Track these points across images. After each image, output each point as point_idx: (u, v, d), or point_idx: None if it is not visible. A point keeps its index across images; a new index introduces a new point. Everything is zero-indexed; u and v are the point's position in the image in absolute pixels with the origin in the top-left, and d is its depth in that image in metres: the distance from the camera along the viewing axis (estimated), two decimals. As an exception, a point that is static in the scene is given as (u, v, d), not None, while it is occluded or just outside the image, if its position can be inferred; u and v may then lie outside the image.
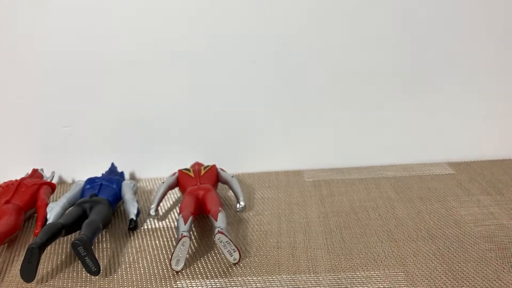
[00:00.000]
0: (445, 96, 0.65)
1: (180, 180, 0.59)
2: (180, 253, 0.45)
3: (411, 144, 0.67)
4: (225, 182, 0.60)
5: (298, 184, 0.63)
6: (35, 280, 0.44)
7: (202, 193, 0.54)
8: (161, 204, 0.60)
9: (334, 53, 0.64)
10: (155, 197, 0.57)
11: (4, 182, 0.59)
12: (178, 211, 0.58)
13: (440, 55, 0.64)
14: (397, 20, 0.62)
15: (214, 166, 0.60)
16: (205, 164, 0.64)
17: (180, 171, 0.59)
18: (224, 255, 0.47)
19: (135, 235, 0.52)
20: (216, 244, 0.49)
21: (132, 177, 0.69)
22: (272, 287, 0.42)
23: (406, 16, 0.62)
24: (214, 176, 0.59)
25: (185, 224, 0.48)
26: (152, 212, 0.55)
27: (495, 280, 0.41)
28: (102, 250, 0.50)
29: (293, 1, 0.62)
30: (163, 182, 0.59)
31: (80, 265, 0.47)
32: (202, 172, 0.59)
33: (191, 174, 0.59)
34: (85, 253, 0.44)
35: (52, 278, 0.45)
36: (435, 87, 0.65)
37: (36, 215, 0.56)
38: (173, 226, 0.54)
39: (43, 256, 0.48)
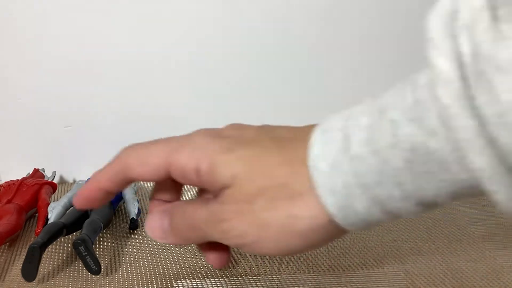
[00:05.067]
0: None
1: None
2: None
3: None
4: None
5: (298, 184, 0.63)
6: (36, 279, 0.45)
7: None
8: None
9: (335, 51, 0.65)
10: None
11: (6, 182, 0.59)
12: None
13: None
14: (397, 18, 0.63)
15: None
16: None
17: None
18: None
19: (136, 234, 0.53)
20: None
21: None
22: (272, 287, 0.42)
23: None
24: None
25: None
26: None
27: (494, 280, 0.41)
28: (103, 250, 0.50)
29: None
30: None
31: (81, 264, 0.47)
32: None
33: None
34: (86, 253, 0.44)
35: (52, 277, 0.45)
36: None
37: (37, 214, 0.56)
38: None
39: (44, 256, 0.49)
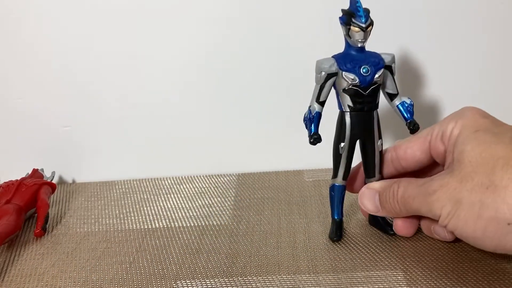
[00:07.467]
0: (439, 95, 0.65)
1: None
2: None
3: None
4: None
5: (298, 184, 0.63)
6: (35, 280, 0.45)
7: None
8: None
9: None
10: None
11: (5, 182, 0.59)
12: (177, 213, 0.58)
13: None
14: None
15: None
16: None
17: None
18: None
19: (135, 235, 0.52)
20: None
21: (132, 177, 0.69)
22: (272, 287, 0.42)
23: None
24: None
25: None
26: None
27: (495, 281, 0.41)
28: (103, 250, 0.50)
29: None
30: None
31: (80, 264, 0.47)
32: None
33: None
34: None
35: (52, 278, 0.45)
36: (432, 84, 0.65)
37: (36, 215, 0.56)
38: (173, 226, 0.54)
39: (40, 256, 0.49)
